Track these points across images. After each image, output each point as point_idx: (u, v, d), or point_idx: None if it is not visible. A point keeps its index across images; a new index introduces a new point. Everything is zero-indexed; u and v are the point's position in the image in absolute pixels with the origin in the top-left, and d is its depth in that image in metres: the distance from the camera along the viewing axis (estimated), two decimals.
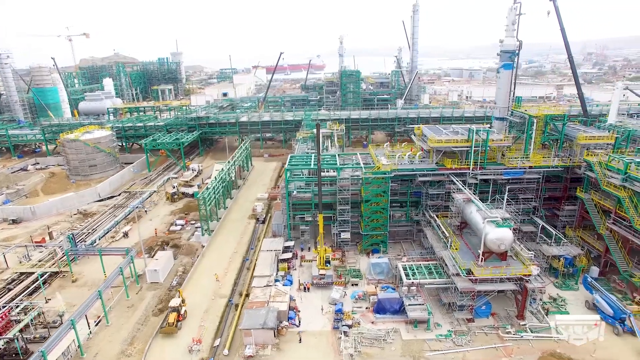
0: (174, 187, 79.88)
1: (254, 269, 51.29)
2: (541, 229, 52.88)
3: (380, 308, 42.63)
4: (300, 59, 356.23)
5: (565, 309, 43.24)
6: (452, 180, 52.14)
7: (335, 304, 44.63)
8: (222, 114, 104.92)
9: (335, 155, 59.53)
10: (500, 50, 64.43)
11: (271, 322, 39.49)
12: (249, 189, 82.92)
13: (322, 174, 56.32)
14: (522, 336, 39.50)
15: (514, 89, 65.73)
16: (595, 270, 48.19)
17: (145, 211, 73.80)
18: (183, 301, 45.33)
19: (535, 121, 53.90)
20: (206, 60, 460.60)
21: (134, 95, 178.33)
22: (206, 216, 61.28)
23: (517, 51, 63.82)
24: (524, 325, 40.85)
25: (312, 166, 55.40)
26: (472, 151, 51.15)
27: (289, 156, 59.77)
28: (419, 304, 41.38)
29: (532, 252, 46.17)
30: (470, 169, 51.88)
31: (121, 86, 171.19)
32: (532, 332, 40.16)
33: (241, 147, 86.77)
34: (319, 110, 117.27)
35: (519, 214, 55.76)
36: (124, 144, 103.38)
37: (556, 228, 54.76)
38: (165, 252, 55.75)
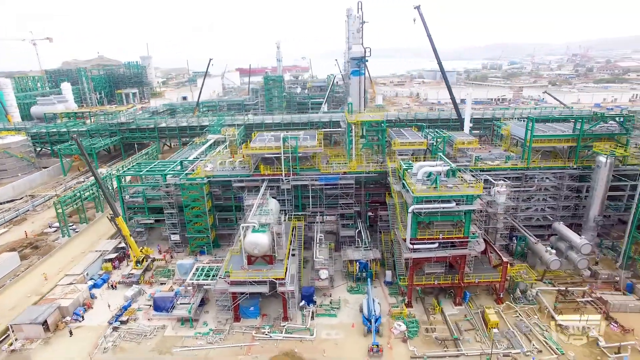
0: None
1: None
2: (359, 233, 54.65)
3: (156, 306, 45.10)
4: (286, 61, 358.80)
5: (335, 313, 44.90)
6: (269, 186, 54.42)
7: (128, 301, 47.42)
8: (143, 119, 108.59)
9: (178, 162, 62.23)
10: (349, 57, 66.72)
11: (42, 318, 42.42)
12: None
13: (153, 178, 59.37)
14: (271, 336, 41.46)
15: (365, 94, 67.86)
16: (389, 274, 49.68)
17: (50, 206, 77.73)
18: None
19: (352, 127, 55.63)
20: (197, 60, 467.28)
21: (98, 99, 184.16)
22: (64, 218, 64.79)
23: (364, 58, 65.89)
24: (283, 326, 42.83)
25: (144, 172, 58.29)
26: (283, 157, 53.19)
27: (135, 163, 62.71)
28: (186, 303, 43.81)
29: (325, 257, 48.44)
30: (283, 174, 53.91)
31: (83, 90, 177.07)
32: (287, 332, 42.09)
33: (142, 152, 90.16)
34: (248, 114, 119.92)
35: (344, 218, 57.95)
36: (49, 148, 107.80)
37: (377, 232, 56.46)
38: (9, 253, 59.18)
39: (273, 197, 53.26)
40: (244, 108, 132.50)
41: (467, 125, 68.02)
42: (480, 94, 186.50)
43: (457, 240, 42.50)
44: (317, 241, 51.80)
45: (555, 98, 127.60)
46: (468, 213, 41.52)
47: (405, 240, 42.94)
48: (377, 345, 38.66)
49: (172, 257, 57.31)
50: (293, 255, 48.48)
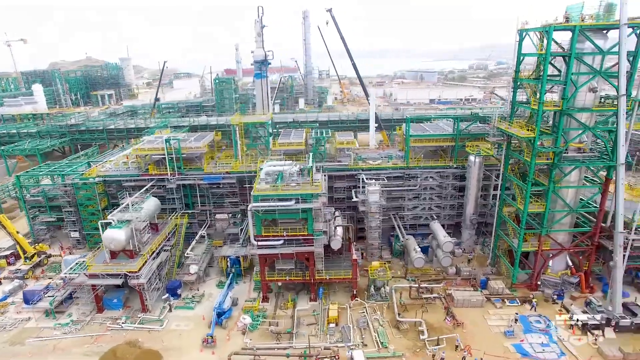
0: None
1: None
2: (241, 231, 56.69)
3: (26, 299, 47.55)
4: (275, 62, 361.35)
5: (193, 306, 46.99)
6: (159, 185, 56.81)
7: (4, 295, 50.02)
8: (93, 121, 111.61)
9: (85, 162, 64.87)
10: (253, 60, 68.49)
11: None
12: None
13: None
14: (122, 327, 43.73)
15: (272, 97, 69.67)
16: None
17: None
18: None
19: (237, 128, 57.66)
20: (190, 61, 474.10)
21: (73, 100, 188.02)
22: None
23: (266, 61, 67.59)
24: (139, 317, 45.07)
25: (44, 172, 61.03)
26: (167, 158, 55.36)
27: (44, 163, 65.51)
28: (51, 296, 46.28)
29: (196, 254, 50.66)
30: (169, 174, 56.08)
31: (57, 92, 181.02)
32: (141, 323, 44.29)
33: (81, 152, 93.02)
34: (201, 115, 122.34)
35: (235, 217, 60.04)
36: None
37: None
38: None
39: (159, 196, 55.61)
40: (202, 109, 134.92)
41: (372, 125, 69.60)
42: (450, 94, 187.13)
43: (302, 237, 44.26)
44: (197, 238, 54.06)
45: (500, 97, 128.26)
46: (309, 211, 43.25)
47: (250, 237, 44.84)
48: (212, 336, 40.68)
49: (71, 253, 59.81)
50: (165, 250, 50.77)
